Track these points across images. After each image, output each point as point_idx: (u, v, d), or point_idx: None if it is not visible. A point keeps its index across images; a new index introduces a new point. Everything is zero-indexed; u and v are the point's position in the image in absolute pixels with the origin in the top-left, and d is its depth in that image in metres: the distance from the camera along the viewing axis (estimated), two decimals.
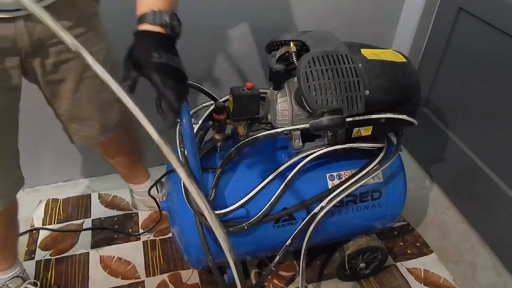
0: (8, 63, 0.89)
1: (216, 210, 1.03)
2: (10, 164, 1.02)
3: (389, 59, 1.05)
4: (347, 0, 1.58)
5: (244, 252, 1.19)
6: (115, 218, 1.56)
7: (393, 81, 1.03)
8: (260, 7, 1.49)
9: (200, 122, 1.09)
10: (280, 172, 1.07)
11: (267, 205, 1.06)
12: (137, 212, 1.58)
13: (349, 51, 1.00)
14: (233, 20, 1.49)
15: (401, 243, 1.50)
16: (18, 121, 1.00)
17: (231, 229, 1.04)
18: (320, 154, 1.06)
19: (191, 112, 0.87)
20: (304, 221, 1.10)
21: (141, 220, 1.55)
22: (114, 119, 1.14)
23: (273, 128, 1.08)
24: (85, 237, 1.48)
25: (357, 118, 1.00)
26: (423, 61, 1.73)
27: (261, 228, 1.09)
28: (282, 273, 1.37)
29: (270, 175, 1.07)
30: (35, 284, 1.27)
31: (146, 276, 1.36)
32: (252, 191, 1.05)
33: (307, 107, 0.96)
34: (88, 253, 1.43)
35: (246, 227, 1.04)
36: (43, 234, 1.49)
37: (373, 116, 1.02)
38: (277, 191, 1.06)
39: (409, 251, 1.47)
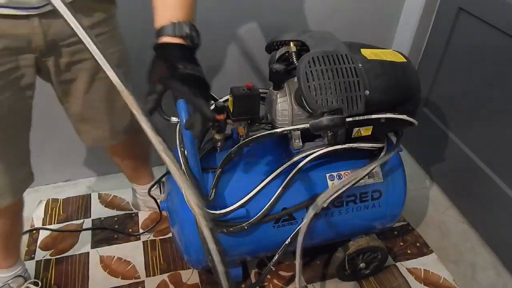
0: (22, 62, 0.90)
1: (216, 210, 1.03)
2: (21, 160, 1.03)
3: (389, 59, 1.05)
4: (347, 0, 1.59)
5: (244, 252, 1.19)
6: (115, 218, 1.56)
7: (393, 81, 1.03)
8: (260, 7, 1.49)
9: None
10: (280, 172, 1.07)
11: (267, 205, 1.06)
12: (137, 212, 1.58)
13: (349, 51, 1.00)
14: (233, 20, 1.49)
15: (401, 243, 1.50)
16: (31, 119, 1.01)
17: (231, 229, 1.04)
18: (320, 154, 1.06)
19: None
20: (304, 221, 1.10)
21: (141, 220, 1.55)
22: (125, 123, 1.14)
23: (273, 128, 1.08)
24: (85, 237, 1.48)
25: (357, 118, 1.00)
26: (423, 61, 1.73)
27: (261, 228, 1.09)
28: (282, 273, 1.37)
29: (270, 175, 1.07)
30: (36, 283, 1.27)
31: (146, 276, 1.36)
32: (252, 191, 1.05)
33: (307, 107, 0.96)
34: (88, 253, 1.43)
35: (246, 227, 1.04)
36: (43, 234, 1.49)
37: (373, 116, 1.02)
38: (277, 191, 1.06)
39: (409, 251, 1.47)
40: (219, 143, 1.09)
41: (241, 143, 1.05)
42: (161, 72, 0.76)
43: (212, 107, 1.08)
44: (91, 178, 1.74)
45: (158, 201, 1.33)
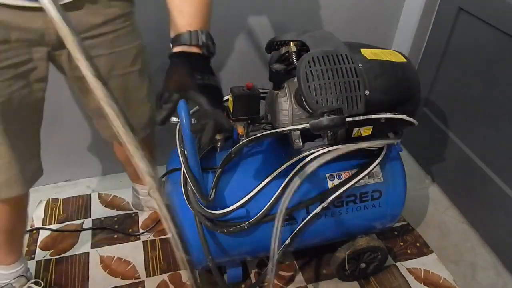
0: (35, 55, 0.90)
1: (216, 210, 1.03)
2: (33, 152, 1.03)
3: (389, 59, 1.05)
4: (347, 0, 1.58)
5: (244, 252, 1.19)
6: (115, 218, 1.56)
7: (393, 81, 1.03)
8: (260, 7, 1.49)
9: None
10: (280, 172, 1.07)
11: (267, 205, 1.06)
12: (137, 212, 1.58)
13: (349, 51, 1.00)
14: (233, 20, 1.49)
15: (401, 243, 1.50)
16: (43, 111, 1.01)
17: (231, 229, 1.04)
18: (320, 154, 1.06)
19: (191, 112, 0.87)
20: (304, 221, 1.10)
21: (141, 220, 1.55)
22: (143, 120, 1.14)
23: (273, 128, 1.08)
24: (85, 237, 1.48)
25: (357, 118, 1.00)
26: (423, 61, 1.73)
27: (261, 228, 1.09)
28: (282, 273, 1.37)
29: (270, 175, 1.07)
30: (38, 283, 1.27)
31: (146, 276, 1.36)
32: (252, 191, 1.05)
33: (307, 107, 0.96)
34: (88, 253, 1.43)
35: (246, 227, 1.04)
36: (43, 234, 1.49)
37: (373, 116, 1.02)
38: (277, 191, 1.06)
39: (409, 251, 1.47)
40: (219, 143, 1.09)
41: (241, 143, 1.05)
42: (178, 81, 0.75)
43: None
44: (91, 178, 1.74)
45: None
